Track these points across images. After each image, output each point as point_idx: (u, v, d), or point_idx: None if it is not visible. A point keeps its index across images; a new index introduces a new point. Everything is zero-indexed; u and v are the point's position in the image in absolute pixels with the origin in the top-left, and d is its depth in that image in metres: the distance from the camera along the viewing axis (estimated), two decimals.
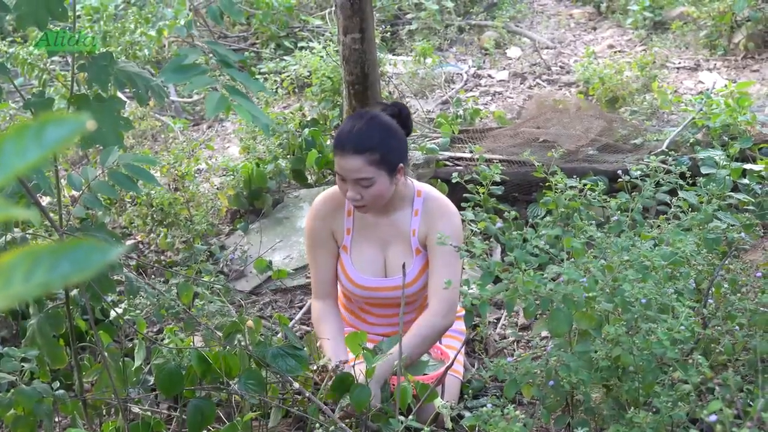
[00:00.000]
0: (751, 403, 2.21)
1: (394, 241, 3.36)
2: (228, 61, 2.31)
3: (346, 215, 3.36)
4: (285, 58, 8.42)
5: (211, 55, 2.33)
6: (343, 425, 2.87)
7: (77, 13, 8.85)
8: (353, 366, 3.03)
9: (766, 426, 1.62)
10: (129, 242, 5.32)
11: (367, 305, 3.49)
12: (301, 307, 4.61)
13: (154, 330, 4.33)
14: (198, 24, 8.04)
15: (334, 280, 3.44)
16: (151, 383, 3.26)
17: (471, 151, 5.36)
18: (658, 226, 3.25)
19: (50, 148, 0.69)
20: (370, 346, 2.96)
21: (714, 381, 2.07)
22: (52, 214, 3.70)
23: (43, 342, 2.82)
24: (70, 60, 2.53)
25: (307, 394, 3.20)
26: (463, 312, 3.27)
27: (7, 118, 6.50)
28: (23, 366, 2.93)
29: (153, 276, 4.95)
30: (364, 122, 3.13)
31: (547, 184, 4.34)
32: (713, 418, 1.76)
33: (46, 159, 0.70)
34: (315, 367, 3.45)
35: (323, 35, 8.72)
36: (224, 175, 5.82)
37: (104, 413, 3.21)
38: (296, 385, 3.22)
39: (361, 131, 3.09)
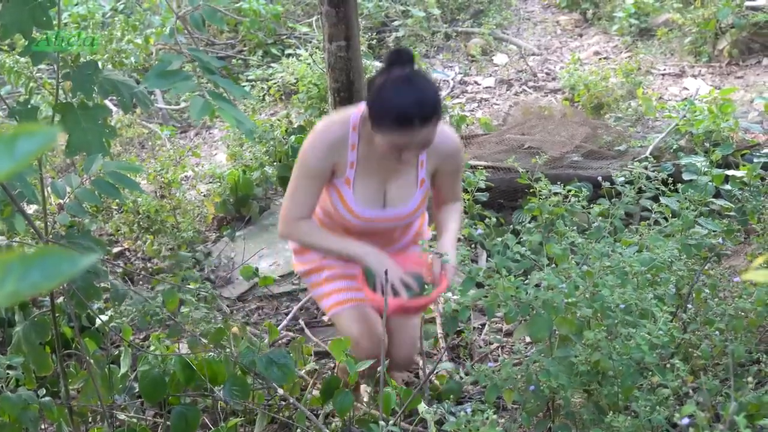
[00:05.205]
0: None
1: (397, 173, 3.20)
2: (210, 67, 2.33)
3: (350, 149, 3.14)
4: (272, 65, 8.43)
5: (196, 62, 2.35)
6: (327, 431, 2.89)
7: (64, 21, 8.86)
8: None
9: (738, 428, 1.64)
10: (115, 249, 5.33)
11: (361, 235, 3.29)
12: (287, 314, 4.62)
13: (140, 337, 4.34)
14: (185, 32, 8.07)
15: (315, 206, 3.23)
16: (137, 390, 3.27)
17: None
18: (639, 233, 3.27)
19: (21, 160, 0.71)
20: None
21: (689, 385, 2.09)
22: (38, 222, 3.72)
23: (29, 349, 2.83)
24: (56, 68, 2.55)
25: (291, 400, 3.22)
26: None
27: None
28: (9, 373, 2.94)
29: (140, 283, 4.96)
30: (416, 89, 2.89)
31: (531, 190, 4.36)
32: (686, 421, 1.78)
33: (19, 170, 0.71)
34: (303, 372, 3.47)
35: (310, 42, 8.74)
36: (211, 183, 5.84)
37: (90, 420, 3.22)
38: (281, 391, 3.24)
39: (421, 99, 2.87)
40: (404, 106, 2.83)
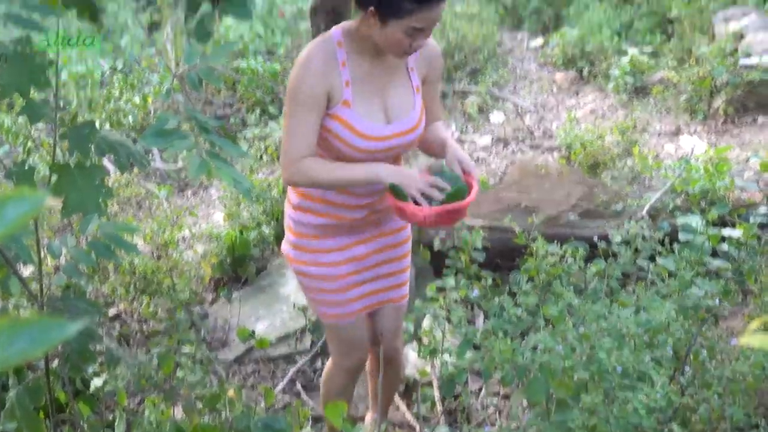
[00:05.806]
0: None
1: (391, 83, 3.10)
2: (207, 126, 2.34)
3: (341, 66, 3.00)
4: (270, 123, 8.47)
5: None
6: None
7: (63, 80, 8.93)
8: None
9: None
10: (112, 311, 5.30)
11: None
12: (284, 377, 4.59)
13: (136, 401, 4.30)
14: (183, 91, 8.11)
15: (315, 143, 3.04)
16: None
17: None
18: (636, 294, 3.26)
19: (10, 225, 0.70)
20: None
21: None
22: (34, 284, 3.70)
23: (22, 414, 2.79)
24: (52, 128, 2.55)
25: None
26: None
27: None
28: None
29: (136, 345, 4.93)
30: None
31: (529, 250, 4.35)
32: None
33: (8, 234, 0.71)
34: None
35: None
36: (208, 243, 5.83)
37: None
38: None
39: None
40: None
